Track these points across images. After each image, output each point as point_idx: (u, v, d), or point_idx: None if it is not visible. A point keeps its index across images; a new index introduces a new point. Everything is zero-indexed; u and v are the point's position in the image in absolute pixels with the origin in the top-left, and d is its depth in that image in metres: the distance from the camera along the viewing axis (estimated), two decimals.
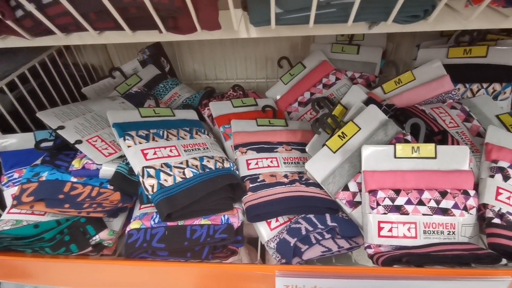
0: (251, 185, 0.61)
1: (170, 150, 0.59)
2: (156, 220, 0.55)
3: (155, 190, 0.51)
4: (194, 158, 0.59)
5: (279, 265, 0.44)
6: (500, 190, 0.56)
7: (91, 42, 0.41)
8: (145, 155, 0.55)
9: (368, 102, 0.72)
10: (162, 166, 0.55)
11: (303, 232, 0.53)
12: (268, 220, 0.59)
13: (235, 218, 0.58)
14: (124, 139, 0.56)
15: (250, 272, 0.43)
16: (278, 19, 0.30)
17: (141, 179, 0.52)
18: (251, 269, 0.44)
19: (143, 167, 0.53)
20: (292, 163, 0.67)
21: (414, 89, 0.78)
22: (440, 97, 0.76)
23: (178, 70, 1.04)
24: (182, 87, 0.90)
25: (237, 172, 0.64)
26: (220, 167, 0.60)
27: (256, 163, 0.65)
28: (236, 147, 0.68)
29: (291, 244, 0.52)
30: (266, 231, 0.58)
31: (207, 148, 0.64)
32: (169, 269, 0.46)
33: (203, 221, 0.55)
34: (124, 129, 0.58)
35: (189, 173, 0.56)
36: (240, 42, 1.00)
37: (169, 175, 0.54)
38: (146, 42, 0.94)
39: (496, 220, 0.54)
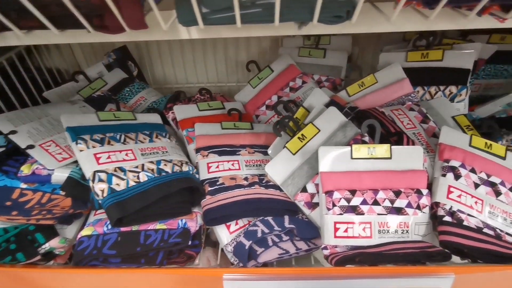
0: (209, 189, 0.60)
1: (126, 154, 0.58)
2: (110, 226, 0.53)
3: (105, 194, 0.50)
4: (151, 162, 0.58)
5: (227, 268, 0.44)
6: (451, 189, 0.57)
7: (16, 43, 0.39)
8: (97, 159, 0.54)
9: (330, 104, 0.73)
10: (115, 170, 0.54)
11: (259, 234, 0.53)
12: (228, 224, 0.59)
13: (193, 222, 0.57)
14: (77, 143, 0.55)
15: (198, 276, 0.42)
16: (206, 18, 0.30)
17: (91, 183, 0.51)
18: (199, 273, 0.43)
19: (94, 172, 0.52)
20: (254, 165, 0.67)
21: (376, 92, 0.80)
22: (400, 99, 0.78)
23: (147, 74, 1.03)
24: (149, 91, 0.89)
25: (196, 175, 0.63)
26: (178, 171, 0.59)
27: (217, 166, 0.64)
28: (197, 150, 0.68)
29: (246, 247, 0.52)
30: (225, 235, 0.58)
31: (166, 151, 0.63)
32: (115, 276, 0.44)
33: (158, 225, 0.54)
34: (77, 133, 0.57)
35: (143, 177, 0.55)
36: (210, 46, 1.00)
37: (122, 179, 0.53)
38: (114, 45, 0.93)
39: (447, 218, 0.55)
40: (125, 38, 0.33)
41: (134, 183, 0.53)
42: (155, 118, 0.73)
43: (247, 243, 0.52)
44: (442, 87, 0.77)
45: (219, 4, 0.28)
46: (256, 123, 0.80)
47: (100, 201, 0.51)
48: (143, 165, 0.57)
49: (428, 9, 0.33)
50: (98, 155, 0.54)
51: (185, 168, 0.61)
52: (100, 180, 0.51)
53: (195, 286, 0.43)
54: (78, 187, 0.55)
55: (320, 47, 0.93)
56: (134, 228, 0.53)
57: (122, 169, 0.55)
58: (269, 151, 0.68)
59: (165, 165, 0.59)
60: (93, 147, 0.55)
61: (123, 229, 0.53)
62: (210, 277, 0.42)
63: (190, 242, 0.54)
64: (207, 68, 1.05)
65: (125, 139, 0.61)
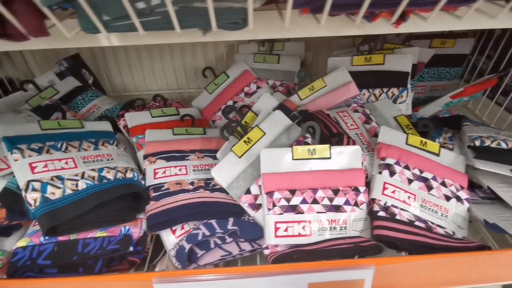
0: (154, 194, 0.60)
1: (66, 162, 0.57)
2: (47, 237, 0.52)
3: (37, 204, 0.49)
4: (93, 170, 0.58)
5: (156, 272, 0.44)
6: (386, 185, 0.60)
7: None
8: (32, 168, 0.53)
9: (278, 108, 0.75)
10: (52, 179, 0.53)
11: (200, 237, 0.54)
12: (174, 228, 0.59)
13: (137, 228, 0.57)
14: (12, 153, 0.54)
15: (127, 281, 0.42)
16: (109, 26, 0.31)
17: (23, 193, 0.50)
18: (128, 278, 0.43)
19: (27, 181, 0.51)
20: (202, 170, 0.67)
21: (325, 95, 0.83)
22: (348, 102, 0.81)
23: (104, 82, 1.02)
24: (103, 99, 0.88)
25: (142, 182, 0.63)
26: (121, 178, 0.59)
27: (164, 172, 0.65)
28: (145, 156, 0.68)
29: (186, 250, 0.52)
30: (171, 240, 0.58)
31: (111, 159, 0.63)
32: (42, 286, 0.44)
33: (99, 233, 0.54)
34: (14, 142, 0.56)
35: (82, 185, 0.54)
36: (167, 53, 1.01)
37: (58, 188, 0.52)
38: (68, 52, 0.92)
39: (381, 213, 0.58)
40: (29, 46, 0.34)
41: (71, 192, 0.53)
42: (105, 126, 0.72)
43: (187, 246, 0.53)
44: (385, 89, 0.81)
45: (117, 13, 0.29)
46: (209, 128, 0.81)
47: (32, 211, 0.50)
48: (83, 173, 0.57)
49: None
50: (33, 164, 0.54)
51: (129, 174, 0.61)
52: (33, 190, 0.50)
53: (135, 285, 0.43)
54: (14, 198, 0.54)
55: (274, 53, 0.96)
56: (73, 237, 0.53)
57: (59, 178, 0.54)
58: (218, 155, 0.69)
59: (107, 172, 0.58)
60: (29, 156, 0.54)
61: (60, 238, 0.52)
62: (140, 281, 0.42)
63: (132, 249, 0.54)
64: (166, 74, 1.05)
65: (67, 148, 0.60)
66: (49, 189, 0.52)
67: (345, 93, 0.81)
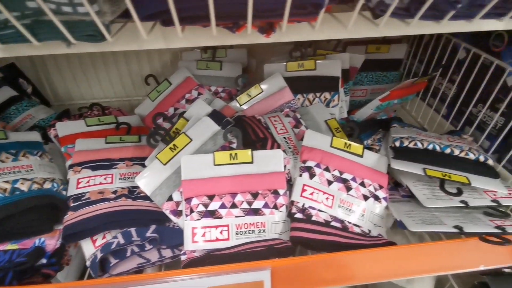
0: (72, 204, 0.60)
1: None
2: None
3: None
4: (6, 182, 0.57)
5: (44, 285, 0.44)
6: (305, 187, 0.62)
7: None
8: None
9: (212, 114, 0.76)
10: None
11: (114, 246, 0.54)
12: (94, 238, 0.59)
13: (53, 240, 0.56)
14: None
15: None
16: None
17: None
18: None
19: None
20: (129, 178, 0.67)
21: (262, 101, 0.85)
22: (283, 106, 0.84)
23: (46, 91, 1.01)
24: (38, 109, 0.87)
25: (63, 192, 0.62)
26: (36, 189, 0.58)
27: (88, 182, 0.64)
28: (70, 166, 0.67)
29: (97, 260, 0.52)
30: (90, 250, 0.57)
31: (31, 170, 0.62)
32: None
33: (9, 246, 0.53)
34: None
35: None
36: (111, 61, 1.00)
37: None
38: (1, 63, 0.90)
39: (298, 215, 0.59)
40: None
41: None
42: (32, 136, 0.71)
43: (99, 256, 0.53)
44: (318, 94, 0.84)
45: None
46: (144, 136, 0.81)
47: None
48: None
49: None
50: None
51: (48, 185, 0.60)
52: None
53: None
54: None
55: (216, 59, 0.97)
56: None
57: None
58: (146, 163, 0.69)
59: (22, 183, 0.58)
60: None
61: None
62: None
63: (45, 261, 0.53)
64: (112, 83, 1.05)
65: None
66: None
67: (280, 98, 0.83)
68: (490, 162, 0.66)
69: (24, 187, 0.57)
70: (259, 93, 0.85)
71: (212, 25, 0.33)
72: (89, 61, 0.99)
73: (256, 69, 1.03)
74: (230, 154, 0.62)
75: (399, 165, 0.66)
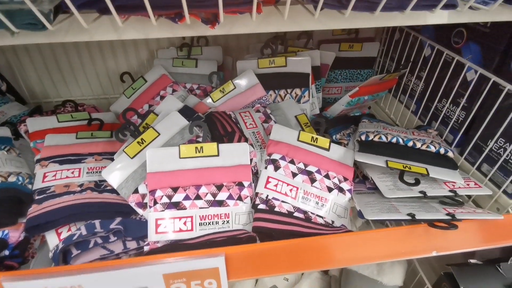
0: (37, 197, 0.60)
1: None
2: None
3: None
4: None
5: (4, 272, 0.44)
6: (270, 179, 0.63)
7: None
8: None
9: (182, 110, 0.77)
10: None
11: (75, 238, 0.54)
12: (60, 231, 0.59)
13: (17, 232, 0.56)
14: None
15: None
16: None
17: None
18: None
19: None
20: (97, 172, 0.68)
21: (235, 97, 0.86)
22: (255, 103, 0.85)
23: (22, 89, 1.00)
24: (11, 106, 0.87)
25: (29, 186, 0.62)
26: (0, 181, 0.58)
27: (54, 175, 0.64)
28: (38, 161, 0.67)
29: (57, 251, 0.52)
30: (53, 242, 0.58)
31: None
32: None
33: None
34: None
35: None
36: (87, 58, 1.01)
37: None
38: None
39: (262, 206, 0.60)
40: None
41: None
42: (2, 132, 0.71)
43: (60, 246, 0.53)
44: (289, 90, 0.85)
45: None
46: None
47: None
48: None
49: None
50: None
51: (12, 179, 0.60)
52: None
53: None
54: None
55: (192, 57, 0.98)
56: None
57: None
58: (115, 157, 0.70)
59: None
60: None
61: None
62: None
63: (7, 253, 0.54)
64: (89, 80, 1.05)
65: None
66: None
67: (253, 95, 0.85)
68: (450, 154, 0.68)
69: None
70: (232, 90, 0.86)
71: (150, 15, 0.34)
72: (65, 59, 0.99)
73: (232, 67, 1.04)
74: (196, 147, 0.63)
75: (363, 158, 0.67)
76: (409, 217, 0.52)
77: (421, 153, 0.69)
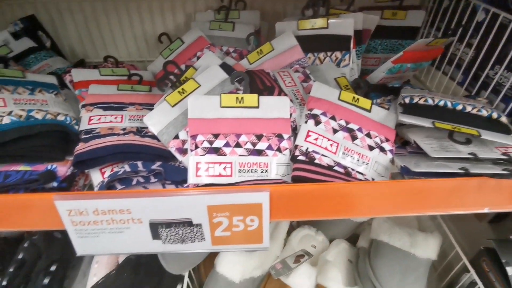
0: (83, 136, 0.62)
1: None
2: None
3: None
4: (22, 110, 0.60)
5: (56, 192, 0.46)
6: (310, 133, 0.62)
7: None
8: None
9: (221, 66, 0.77)
10: None
11: (120, 173, 0.55)
12: (103, 170, 0.61)
13: (65, 167, 0.59)
14: None
15: (29, 199, 0.44)
16: None
17: None
18: (30, 196, 0.45)
19: None
20: (137, 120, 0.69)
21: (272, 59, 0.85)
22: (293, 64, 0.83)
23: (64, 47, 1.04)
24: (56, 60, 0.90)
25: (75, 127, 0.65)
26: (50, 118, 0.60)
27: (99, 119, 0.66)
28: (83, 106, 0.69)
29: (103, 185, 0.54)
30: (98, 179, 0.60)
31: (46, 104, 0.64)
32: None
33: (22, 167, 0.55)
34: None
35: (6, 120, 0.56)
36: (126, 21, 1.02)
37: None
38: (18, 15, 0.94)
39: (301, 157, 0.59)
40: None
41: None
42: (49, 79, 0.74)
43: (106, 180, 0.55)
44: (329, 53, 0.83)
45: None
46: (155, 88, 0.83)
47: None
48: (11, 111, 0.58)
49: None
50: None
51: (61, 118, 0.62)
52: None
53: (29, 210, 0.44)
54: None
55: (229, 20, 0.97)
56: None
57: None
58: (155, 106, 0.71)
59: (36, 113, 0.60)
60: None
61: None
62: (42, 199, 0.44)
63: (55, 184, 0.56)
64: (127, 43, 1.07)
65: (1, 90, 0.62)
66: None
67: (291, 56, 0.83)
68: (504, 119, 0.64)
69: (38, 115, 0.60)
70: (270, 51, 0.85)
71: None
72: (105, 20, 1.01)
73: (268, 32, 1.03)
74: (237, 98, 0.63)
75: (408, 119, 0.65)
76: (461, 171, 0.50)
77: (471, 116, 0.65)
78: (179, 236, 0.48)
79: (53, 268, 0.83)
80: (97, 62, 1.07)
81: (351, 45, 0.82)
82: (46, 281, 0.80)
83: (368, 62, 1.00)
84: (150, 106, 0.74)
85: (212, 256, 0.81)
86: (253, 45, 0.94)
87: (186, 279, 0.74)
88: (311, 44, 0.83)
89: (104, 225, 0.46)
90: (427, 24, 0.99)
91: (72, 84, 0.78)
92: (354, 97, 0.69)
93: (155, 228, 0.47)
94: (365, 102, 0.69)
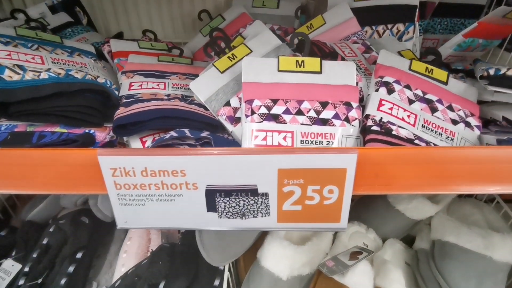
0: (124, 101, 0.55)
1: (33, 58, 0.53)
2: (3, 128, 0.48)
3: None
4: (61, 69, 0.54)
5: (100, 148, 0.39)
6: (383, 102, 0.53)
7: None
8: None
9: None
10: (13, 66, 0.49)
11: (166, 137, 0.48)
12: (144, 140, 0.54)
13: (103, 133, 0.52)
14: None
15: (75, 152, 0.37)
16: None
17: None
18: (75, 151, 0.38)
19: None
20: (181, 88, 0.62)
21: (324, 33, 0.77)
22: (348, 38, 0.75)
23: (100, 28, 1.00)
24: (93, 34, 0.86)
25: (115, 92, 0.58)
26: (90, 79, 0.54)
27: (140, 85, 0.60)
28: (123, 72, 0.63)
29: (149, 147, 0.47)
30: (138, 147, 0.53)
31: (85, 67, 0.59)
32: None
33: (58, 129, 0.49)
34: None
35: (44, 76, 0.50)
36: (164, 1, 0.98)
37: (17, 74, 0.48)
38: None
39: (375, 128, 0.50)
40: None
41: (29, 78, 0.48)
42: (87, 46, 0.69)
43: (151, 145, 0.47)
44: (389, 26, 0.74)
45: None
46: (198, 61, 0.77)
47: None
48: (49, 68, 0.53)
49: None
50: None
51: (101, 80, 0.56)
52: None
53: (66, 168, 0.37)
54: None
55: None
56: (29, 129, 0.48)
57: (22, 68, 0.50)
58: (200, 75, 0.64)
59: (76, 72, 0.54)
60: None
61: (17, 129, 0.48)
62: (86, 153, 0.37)
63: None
64: (163, 23, 1.02)
65: (38, 48, 0.57)
66: (7, 72, 0.48)
67: (346, 30, 0.75)
68: None
69: (78, 75, 0.54)
70: (321, 25, 0.77)
71: None
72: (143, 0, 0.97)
73: (314, 11, 0.96)
74: (297, 61, 0.55)
75: (501, 89, 0.55)
76: None
77: None
78: (240, 209, 0.40)
79: (79, 255, 0.76)
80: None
81: (416, 16, 0.73)
82: (71, 269, 0.73)
83: (425, 44, 0.90)
84: (193, 76, 0.67)
85: (253, 249, 0.72)
86: (300, 23, 0.87)
87: (226, 273, 0.65)
88: (369, 16, 0.75)
89: (152, 190, 0.39)
90: (493, 2, 0.89)
91: (111, 55, 0.73)
92: (427, 68, 0.60)
93: (212, 197, 0.39)
94: (440, 73, 0.60)
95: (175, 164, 0.37)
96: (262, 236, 0.72)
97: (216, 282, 0.67)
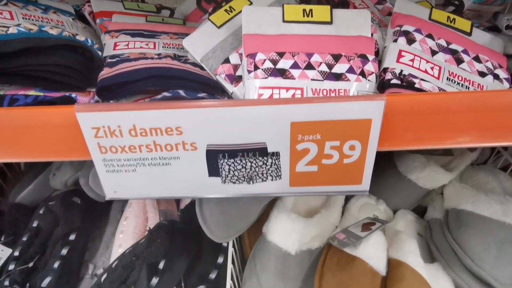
0: (109, 61, 0.49)
1: (0, 13, 0.46)
2: None
3: None
4: (33, 24, 0.47)
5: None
6: (403, 53, 0.47)
7: None
8: None
9: None
10: None
11: (159, 97, 0.42)
12: None
13: (86, 98, 0.46)
14: None
15: (52, 110, 0.31)
16: None
17: None
18: (52, 108, 0.32)
19: None
20: (174, 48, 0.56)
21: None
22: None
23: None
24: None
25: (99, 52, 0.51)
26: (67, 35, 0.47)
27: (127, 45, 0.53)
28: (106, 32, 0.56)
29: None
30: None
31: (62, 25, 0.52)
32: None
33: (33, 92, 0.43)
34: None
35: (13, 30, 0.43)
36: None
37: None
38: None
39: (395, 81, 0.45)
40: None
41: None
42: (64, 6, 0.61)
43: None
44: None
45: None
46: (190, 22, 0.69)
47: None
48: (19, 24, 0.45)
49: None
50: None
51: (81, 38, 0.49)
52: None
53: (47, 125, 0.32)
54: None
55: None
56: (1, 92, 0.42)
57: None
58: (194, 32, 0.57)
59: (51, 29, 0.47)
60: None
61: None
62: (64, 110, 0.31)
63: None
64: None
65: (7, 4, 0.49)
66: None
67: None
68: None
69: (53, 31, 0.47)
70: None
71: None
72: None
73: None
74: (304, 10, 0.48)
75: None
76: None
77: None
78: (246, 171, 0.34)
79: (72, 237, 0.72)
80: None
81: None
82: (64, 251, 0.69)
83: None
84: (187, 36, 0.60)
85: (257, 225, 0.68)
86: None
87: (230, 249, 0.61)
88: None
89: (143, 152, 0.33)
90: None
91: (92, 16, 0.65)
92: (449, 17, 0.53)
93: (214, 159, 0.33)
94: (463, 23, 0.53)
95: (169, 120, 0.31)
96: (266, 210, 0.67)
97: (220, 260, 0.63)
